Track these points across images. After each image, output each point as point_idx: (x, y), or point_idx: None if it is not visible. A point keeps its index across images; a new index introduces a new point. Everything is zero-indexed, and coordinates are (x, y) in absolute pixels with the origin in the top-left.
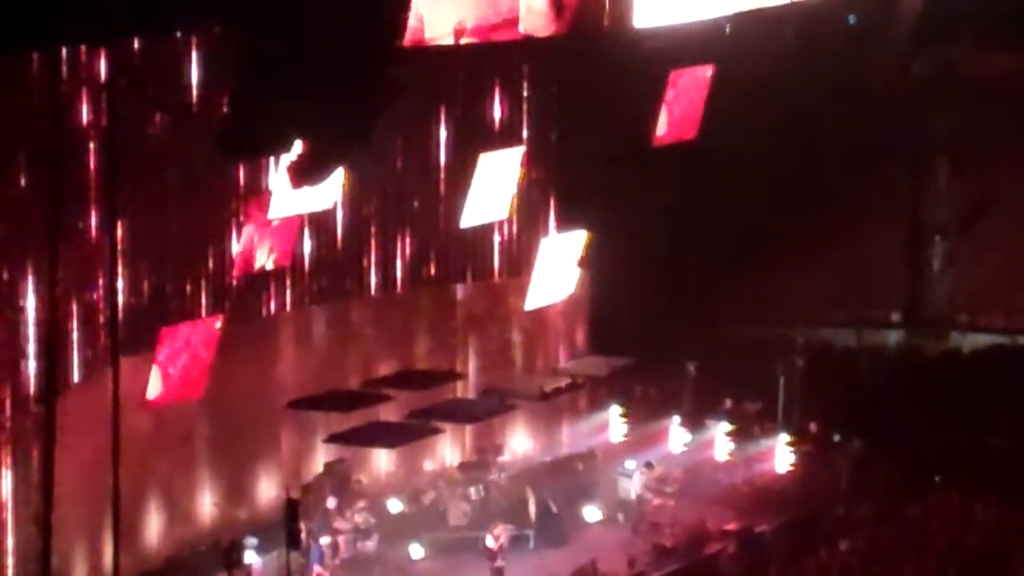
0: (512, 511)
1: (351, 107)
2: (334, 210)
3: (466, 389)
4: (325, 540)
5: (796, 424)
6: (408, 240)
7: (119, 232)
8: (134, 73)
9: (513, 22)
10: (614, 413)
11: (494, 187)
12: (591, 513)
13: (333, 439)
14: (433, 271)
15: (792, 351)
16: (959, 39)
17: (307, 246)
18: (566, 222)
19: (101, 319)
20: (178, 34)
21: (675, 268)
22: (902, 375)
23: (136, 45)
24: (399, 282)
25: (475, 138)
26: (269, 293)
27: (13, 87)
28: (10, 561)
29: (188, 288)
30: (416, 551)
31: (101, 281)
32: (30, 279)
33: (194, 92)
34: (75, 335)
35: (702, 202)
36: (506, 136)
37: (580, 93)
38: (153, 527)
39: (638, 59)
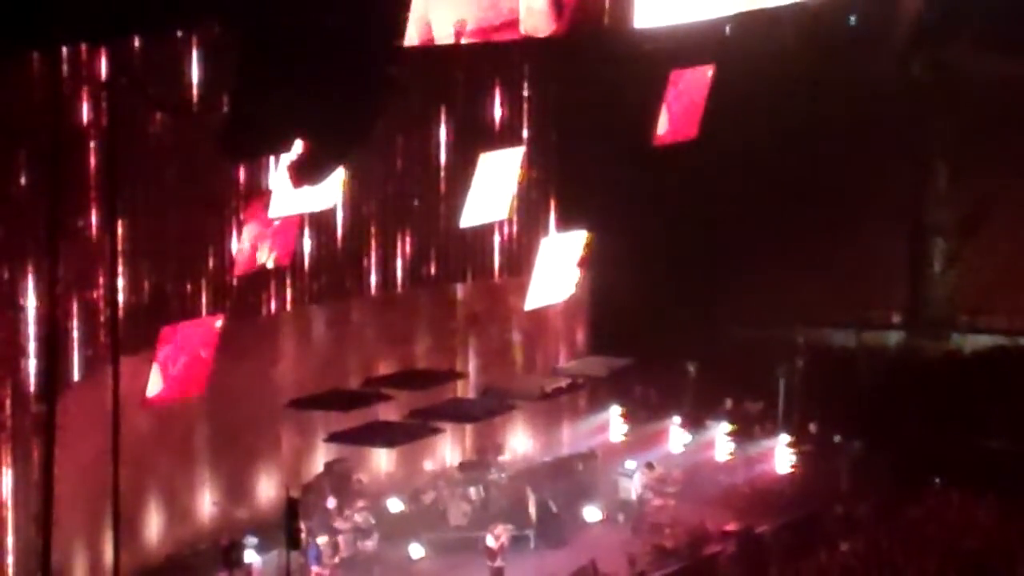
0: (512, 511)
1: (351, 107)
2: (334, 209)
3: (466, 389)
4: (322, 540)
5: (796, 425)
6: (408, 240)
7: (119, 231)
8: (134, 72)
9: (514, 23)
10: (614, 413)
11: (494, 187)
12: (591, 513)
13: (333, 438)
14: (433, 271)
15: (793, 352)
16: (959, 40)
17: (307, 245)
18: (566, 222)
19: (101, 318)
20: (179, 33)
21: (675, 268)
22: (903, 376)
23: (137, 44)
24: (399, 282)
25: (475, 138)
26: (269, 292)
27: (14, 86)
28: (10, 560)
29: (188, 287)
30: (416, 551)
31: (101, 280)
32: (30, 278)
33: (194, 91)
34: (75, 334)
35: (702, 202)
36: (506, 136)
37: (581, 93)
38: (153, 526)
39: (639, 59)
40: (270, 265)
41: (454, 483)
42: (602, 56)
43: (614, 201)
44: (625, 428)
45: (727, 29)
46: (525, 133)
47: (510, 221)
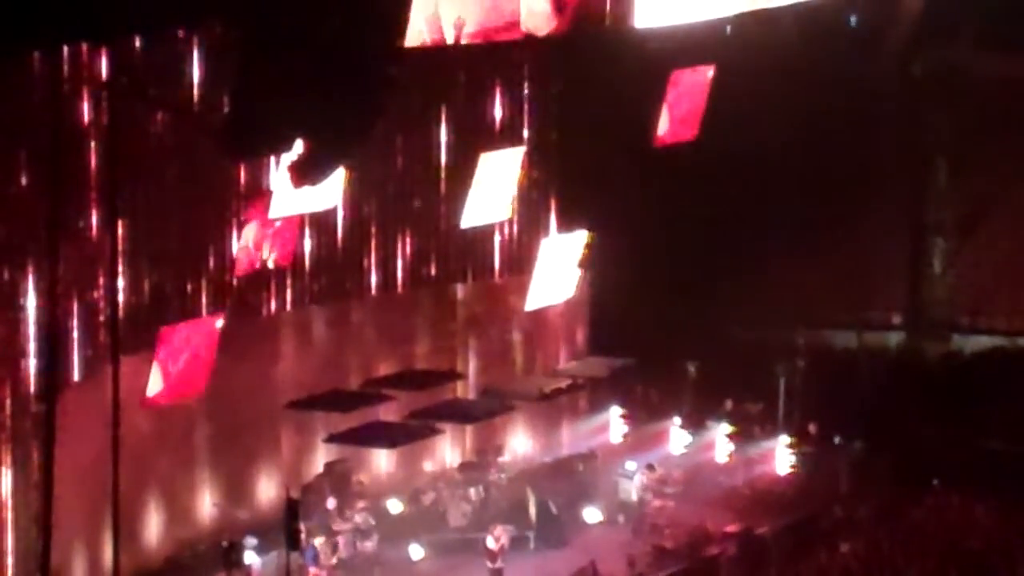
0: (512, 512)
1: (352, 107)
2: (334, 209)
3: (466, 389)
4: (319, 541)
5: (796, 426)
6: (408, 240)
7: (120, 231)
8: (135, 72)
9: (515, 25)
10: (614, 414)
11: (495, 187)
12: (591, 514)
13: (333, 439)
14: (433, 271)
15: (793, 353)
16: (959, 40)
17: (307, 246)
18: (567, 222)
19: (101, 318)
20: (179, 33)
21: (676, 269)
22: (903, 377)
23: (137, 44)
24: (399, 282)
25: (476, 138)
26: (269, 292)
27: (14, 86)
28: (10, 560)
29: (189, 287)
30: (416, 552)
31: (102, 280)
32: (30, 278)
33: (195, 91)
34: (75, 334)
35: (703, 202)
36: (507, 136)
37: (581, 93)
38: (153, 526)
39: (639, 59)
40: (270, 265)
41: (454, 484)
42: (603, 56)
43: (614, 201)
44: (625, 429)
45: (728, 29)
46: (526, 133)
47: (510, 221)
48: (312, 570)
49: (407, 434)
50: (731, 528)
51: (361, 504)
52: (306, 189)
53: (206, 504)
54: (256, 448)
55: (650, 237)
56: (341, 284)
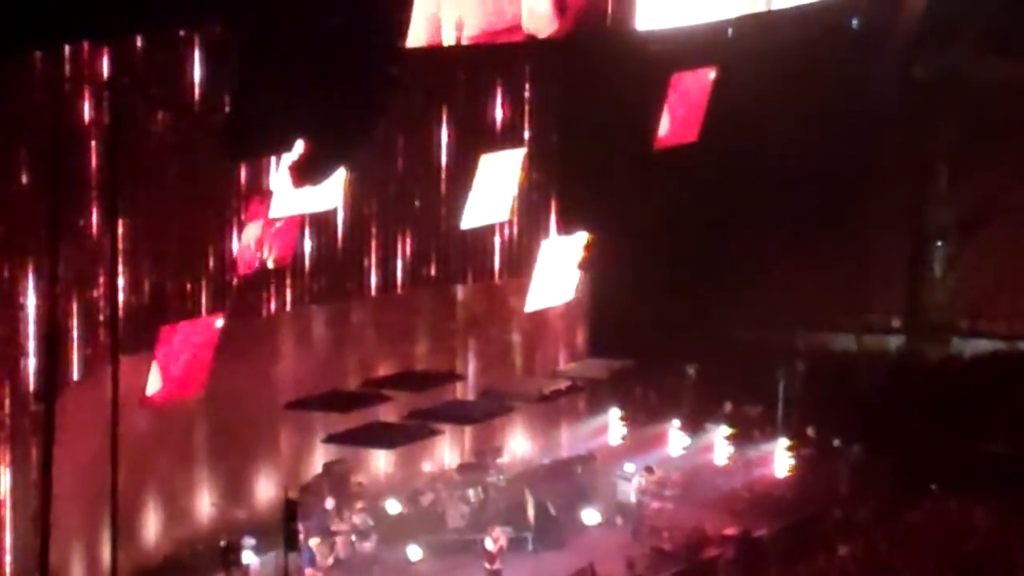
0: (511, 513)
1: (353, 107)
2: (335, 210)
3: (465, 390)
4: (314, 542)
5: (796, 428)
6: (409, 241)
7: (120, 230)
8: (136, 72)
9: (517, 27)
10: (613, 416)
11: (495, 188)
12: (590, 516)
13: (332, 439)
14: (433, 272)
15: (792, 355)
16: (960, 43)
17: (307, 246)
18: (567, 224)
19: (101, 317)
20: (180, 33)
21: (676, 271)
22: (902, 380)
23: (138, 44)
24: (399, 283)
25: (476, 139)
26: (269, 293)
27: (15, 85)
28: (8, 559)
29: (189, 287)
30: (414, 553)
31: (102, 279)
32: (30, 277)
33: (196, 91)
34: (75, 333)
35: (703, 205)
36: (507, 137)
37: (582, 95)
38: (151, 526)
39: (640, 61)
40: (270, 265)
41: (453, 485)
42: (604, 58)
43: (615, 203)
44: (624, 431)
45: (729, 32)
46: (526, 134)
47: (511, 223)
48: (308, 571)
49: (406, 435)
50: (730, 530)
51: (360, 505)
52: (307, 189)
53: (205, 504)
54: (255, 448)
55: (650, 239)
56: (341, 284)
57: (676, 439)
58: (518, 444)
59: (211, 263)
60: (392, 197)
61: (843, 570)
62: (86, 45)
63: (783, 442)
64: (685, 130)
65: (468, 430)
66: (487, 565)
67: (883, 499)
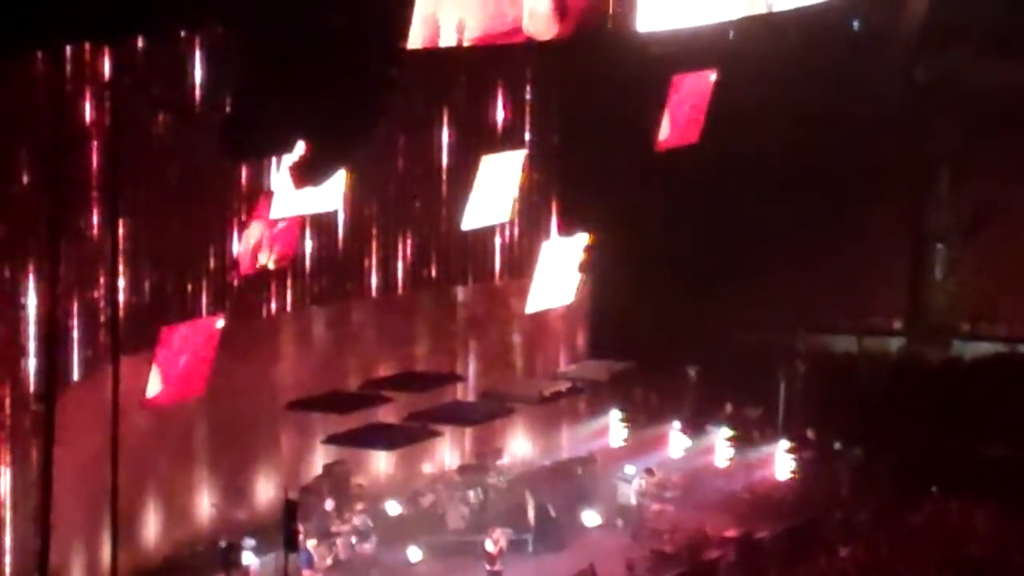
0: (511, 515)
1: (353, 108)
2: (335, 211)
3: (466, 392)
4: (312, 543)
5: (796, 430)
6: (409, 242)
7: (120, 231)
8: (137, 72)
9: (518, 30)
10: (614, 417)
11: (496, 190)
12: (590, 518)
13: (332, 440)
14: (434, 273)
15: (793, 357)
16: (962, 47)
17: (308, 247)
18: (568, 225)
19: (102, 318)
20: (181, 34)
21: (676, 272)
22: (903, 382)
23: (139, 44)
24: (400, 284)
25: (477, 140)
26: (270, 293)
27: (16, 85)
28: (8, 559)
29: (189, 287)
30: (414, 554)
31: (102, 280)
32: (31, 277)
33: (197, 92)
34: (75, 333)
35: (704, 207)
36: (508, 139)
37: (583, 97)
38: (151, 527)
39: (641, 63)
40: (271, 266)
41: (453, 486)
42: (605, 60)
43: (616, 205)
44: (625, 432)
45: (730, 34)
46: (527, 136)
47: (511, 224)
48: (306, 573)
49: (406, 436)
50: (730, 532)
51: (360, 506)
52: (307, 190)
53: (205, 504)
54: (255, 449)
55: (651, 241)
56: (341, 285)
57: (677, 441)
58: (518, 445)
59: (212, 264)
60: (393, 198)
61: (843, 572)
62: (87, 45)
63: (784, 444)
64: (686, 132)
65: (468, 431)
66: (487, 566)
67: (884, 501)
